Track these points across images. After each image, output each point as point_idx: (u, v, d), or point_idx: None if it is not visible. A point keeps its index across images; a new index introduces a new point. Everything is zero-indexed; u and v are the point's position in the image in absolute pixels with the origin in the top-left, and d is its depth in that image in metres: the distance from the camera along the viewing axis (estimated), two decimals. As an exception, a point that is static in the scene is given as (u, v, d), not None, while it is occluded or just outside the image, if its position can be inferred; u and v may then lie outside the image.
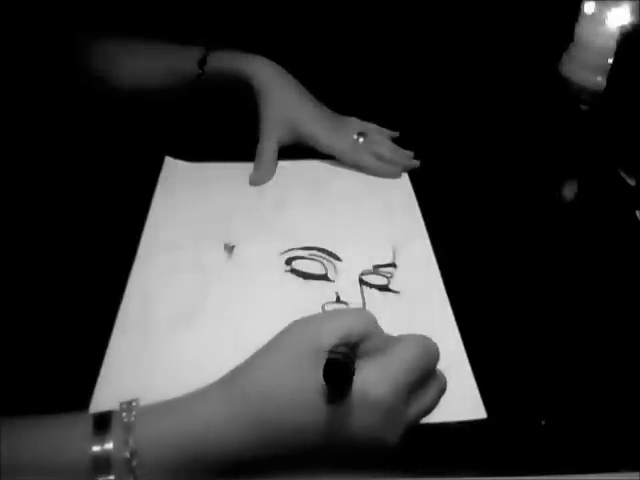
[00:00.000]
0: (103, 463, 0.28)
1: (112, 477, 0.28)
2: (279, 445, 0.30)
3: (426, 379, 0.33)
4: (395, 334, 0.37)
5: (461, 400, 0.40)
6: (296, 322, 0.32)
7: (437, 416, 0.38)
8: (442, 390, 0.34)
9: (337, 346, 0.29)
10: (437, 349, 0.33)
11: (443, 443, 0.37)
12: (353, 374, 0.28)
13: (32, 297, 0.46)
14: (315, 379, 0.29)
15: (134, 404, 0.30)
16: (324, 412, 0.29)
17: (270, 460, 0.30)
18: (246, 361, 0.32)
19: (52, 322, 0.44)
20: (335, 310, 0.33)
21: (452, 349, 0.43)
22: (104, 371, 0.41)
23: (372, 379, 0.30)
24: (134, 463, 0.28)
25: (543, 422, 0.38)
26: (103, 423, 0.29)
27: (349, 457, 0.32)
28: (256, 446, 0.30)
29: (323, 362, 0.28)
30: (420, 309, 0.46)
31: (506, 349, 0.43)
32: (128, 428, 0.28)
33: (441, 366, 0.41)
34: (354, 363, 0.29)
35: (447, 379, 0.40)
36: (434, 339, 0.43)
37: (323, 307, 0.46)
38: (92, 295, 0.46)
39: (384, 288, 0.48)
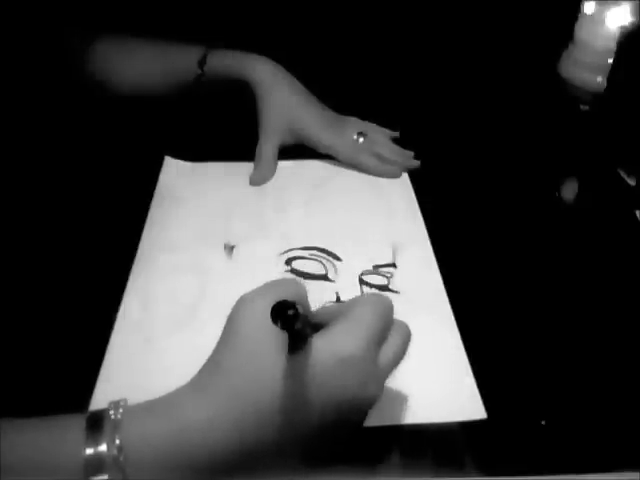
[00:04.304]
0: (96, 463, 0.28)
1: (105, 476, 0.28)
2: (267, 434, 0.30)
3: (388, 330, 0.34)
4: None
5: (461, 400, 0.40)
6: (238, 308, 0.32)
7: (437, 416, 0.39)
8: (406, 335, 0.35)
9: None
10: (390, 301, 0.35)
11: (443, 443, 0.38)
12: (299, 313, 0.28)
13: (32, 297, 0.46)
14: (278, 358, 0.30)
15: (122, 403, 0.30)
16: (300, 382, 0.30)
17: (262, 453, 0.31)
18: (211, 360, 0.32)
19: (52, 322, 0.44)
20: (267, 285, 0.33)
21: (452, 349, 0.43)
22: (104, 371, 0.41)
23: (339, 339, 0.32)
24: (121, 458, 0.28)
25: (543, 422, 0.38)
26: (96, 423, 0.29)
27: (340, 426, 0.32)
28: (242, 442, 0.30)
29: (281, 337, 0.30)
30: (420, 309, 0.46)
31: (506, 349, 0.43)
32: (115, 426, 0.29)
33: (441, 366, 0.42)
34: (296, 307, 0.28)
35: (447, 379, 0.41)
36: (434, 339, 0.44)
37: (323, 307, 0.46)
38: (92, 295, 0.46)
39: (384, 288, 0.48)
